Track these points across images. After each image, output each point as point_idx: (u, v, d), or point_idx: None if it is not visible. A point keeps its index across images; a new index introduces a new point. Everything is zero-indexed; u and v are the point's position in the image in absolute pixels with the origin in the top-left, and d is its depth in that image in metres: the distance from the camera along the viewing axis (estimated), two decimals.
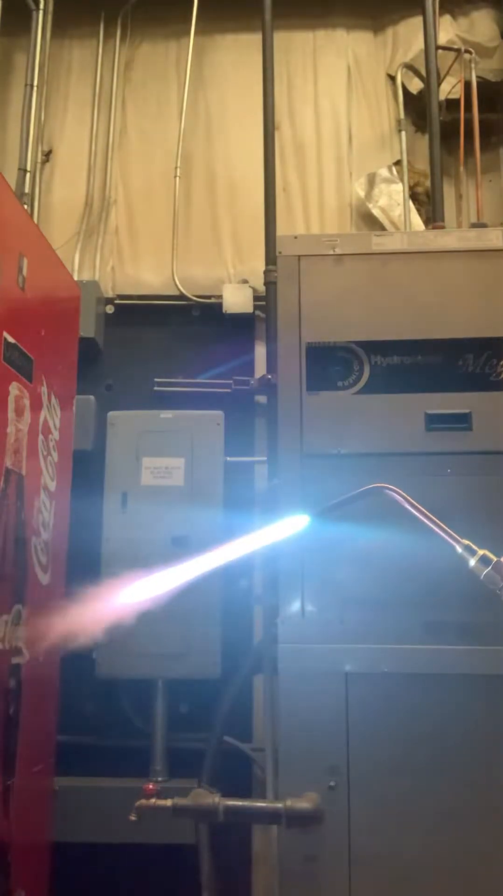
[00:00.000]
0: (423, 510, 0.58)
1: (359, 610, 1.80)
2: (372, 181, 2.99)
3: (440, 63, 2.94)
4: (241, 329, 2.89)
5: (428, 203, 2.94)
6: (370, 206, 2.96)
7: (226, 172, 3.09)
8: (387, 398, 1.92)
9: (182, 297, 2.90)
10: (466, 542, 0.51)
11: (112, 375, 2.87)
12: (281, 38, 3.13)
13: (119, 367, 2.88)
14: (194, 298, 2.89)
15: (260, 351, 2.86)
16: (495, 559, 0.49)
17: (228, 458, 2.63)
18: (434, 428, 1.90)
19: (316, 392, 1.94)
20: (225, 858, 2.29)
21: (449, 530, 0.55)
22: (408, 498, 0.60)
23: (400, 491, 0.59)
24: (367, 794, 1.73)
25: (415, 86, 3.09)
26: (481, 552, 0.49)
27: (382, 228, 2.91)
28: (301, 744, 1.76)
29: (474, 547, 0.50)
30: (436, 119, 2.84)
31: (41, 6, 3.04)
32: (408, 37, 3.15)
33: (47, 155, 3.12)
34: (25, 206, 2.82)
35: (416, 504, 0.58)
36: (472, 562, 0.51)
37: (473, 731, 1.72)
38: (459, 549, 0.52)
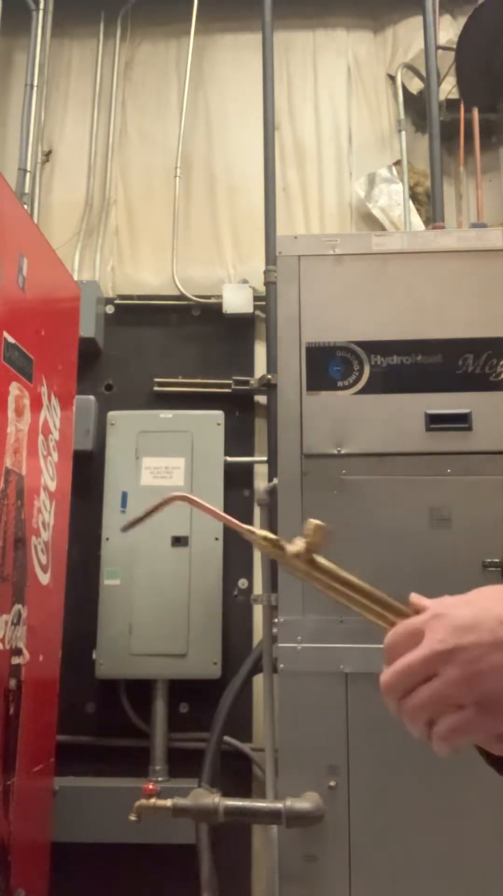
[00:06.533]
0: (215, 510, 0.64)
1: None
2: (372, 181, 2.99)
3: (440, 63, 2.93)
4: (240, 329, 2.89)
5: (428, 203, 2.94)
6: (370, 206, 2.96)
7: (226, 172, 3.09)
8: (387, 398, 1.92)
9: (182, 297, 2.90)
10: (248, 527, 0.61)
11: (112, 375, 2.87)
12: (281, 38, 3.13)
13: (119, 367, 2.87)
14: (194, 298, 2.89)
15: (260, 351, 2.86)
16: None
17: (228, 458, 2.63)
18: (434, 428, 1.89)
19: (316, 392, 1.94)
20: (225, 858, 2.29)
21: (239, 523, 0.62)
22: (199, 500, 0.65)
23: (189, 496, 0.65)
24: (367, 794, 1.73)
25: (415, 86, 3.09)
26: (261, 533, 0.60)
27: (382, 228, 2.90)
28: (301, 744, 1.76)
29: (255, 530, 0.60)
30: (436, 119, 2.84)
31: (41, 6, 3.04)
32: (408, 37, 3.14)
33: (47, 155, 3.12)
34: (25, 206, 2.82)
35: (209, 506, 0.64)
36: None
37: None
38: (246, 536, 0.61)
